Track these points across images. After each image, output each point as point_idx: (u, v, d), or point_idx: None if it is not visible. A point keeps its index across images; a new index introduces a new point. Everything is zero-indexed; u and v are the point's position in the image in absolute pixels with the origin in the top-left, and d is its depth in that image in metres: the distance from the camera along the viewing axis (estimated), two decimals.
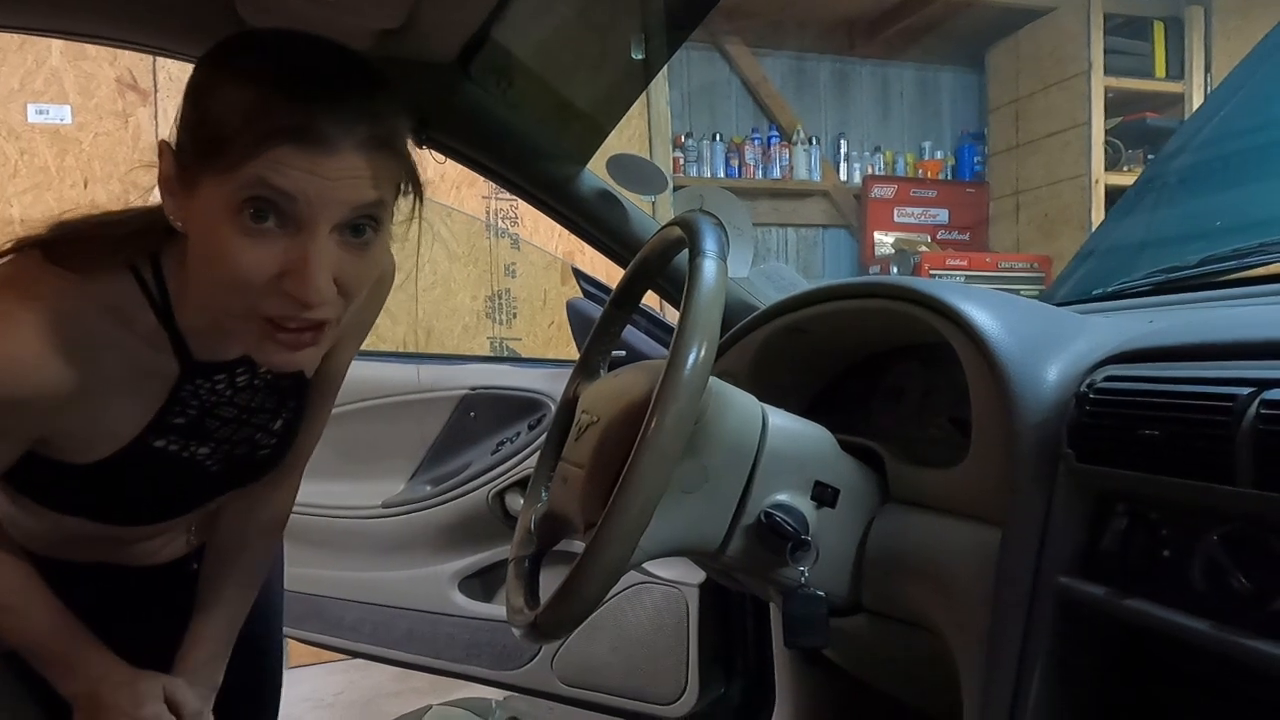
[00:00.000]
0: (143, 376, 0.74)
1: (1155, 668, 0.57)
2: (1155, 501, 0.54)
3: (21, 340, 0.67)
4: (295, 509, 0.98)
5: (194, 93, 0.66)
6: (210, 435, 0.80)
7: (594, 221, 1.21)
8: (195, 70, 0.67)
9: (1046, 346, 0.65)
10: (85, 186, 2.36)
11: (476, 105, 1.11)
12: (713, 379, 0.72)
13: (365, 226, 0.66)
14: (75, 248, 0.70)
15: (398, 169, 0.68)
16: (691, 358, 0.63)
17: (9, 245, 0.72)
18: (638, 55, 1.12)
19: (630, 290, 0.87)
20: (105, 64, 2.36)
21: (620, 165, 1.19)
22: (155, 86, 2.41)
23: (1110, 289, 1.00)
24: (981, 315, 0.69)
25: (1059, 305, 0.99)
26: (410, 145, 0.70)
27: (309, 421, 0.89)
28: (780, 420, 0.77)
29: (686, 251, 0.71)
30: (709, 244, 0.69)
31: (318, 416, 0.91)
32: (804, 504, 0.75)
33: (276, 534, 0.97)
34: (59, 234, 0.72)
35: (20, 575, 0.78)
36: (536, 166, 1.18)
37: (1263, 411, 0.47)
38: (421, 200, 0.73)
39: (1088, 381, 0.60)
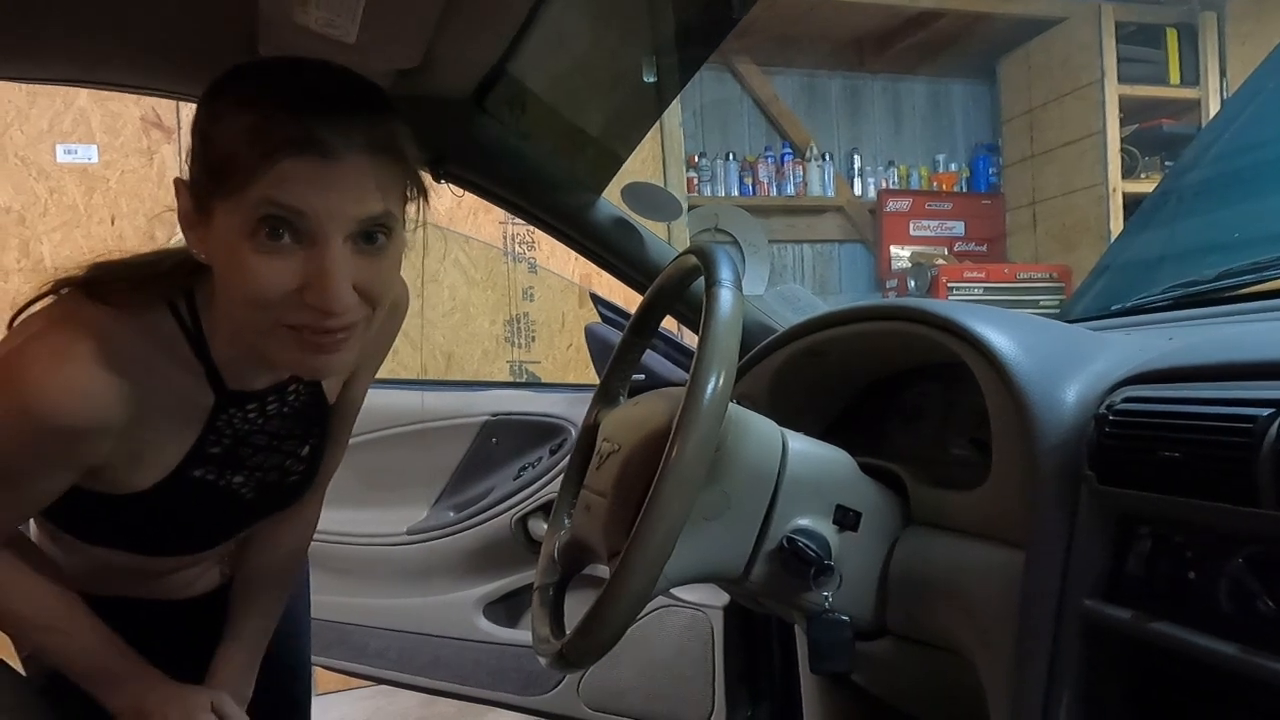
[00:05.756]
0: (184, 407, 0.77)
1: (1184, 691, 0.57)
2: (1179, 524, 0.54)
3: (81, 371, 0.69)
4: (321, 537, 1.01)
5: (198, 126, 0.68)
6: (244, 463, 0.83)
7: (610, 249, 1.22)
8: (199, 106, 0.69)
9: (1065, 367, 0.65)
10: (112, 223, 2.41)
11: (492, 139, 1.13)
12: (732, 405, 0.72)
13: (377, 233, 0.68)
14: (115, 286, 0.73)
15: (402, 174, 0.70)
16: (710, 386, 0.64)
17: (48, 286, 0.75)
18: (651, 84, 1.14)
19: (647, 318, 0.88)
20: (130, 103, 2.42)
21: (635, 194, 1.21)
22: (179, 124, 2.47)
23: (1128, 304, 1.00)
24: (998, 337, 0.69)
25: (1077, 321, 0.99)
26: (414, 154, 0.71)
27: (331, 447, 0.92)
28: (800, 444, 0.77)
29: (703, 279, 0.72)
30: (724, 273, 0.70)
31: (339, 441, 0.93)
32: (826, 528, 0.76)
33: (301, 556, 1.00)
34: (97, 274, 0.74)
35: (62, 597, 0.80)
36: (553, 197, 1.20)
37: None
38: (426, 203, 0.74)
39: (1107, 403, 0.60)
